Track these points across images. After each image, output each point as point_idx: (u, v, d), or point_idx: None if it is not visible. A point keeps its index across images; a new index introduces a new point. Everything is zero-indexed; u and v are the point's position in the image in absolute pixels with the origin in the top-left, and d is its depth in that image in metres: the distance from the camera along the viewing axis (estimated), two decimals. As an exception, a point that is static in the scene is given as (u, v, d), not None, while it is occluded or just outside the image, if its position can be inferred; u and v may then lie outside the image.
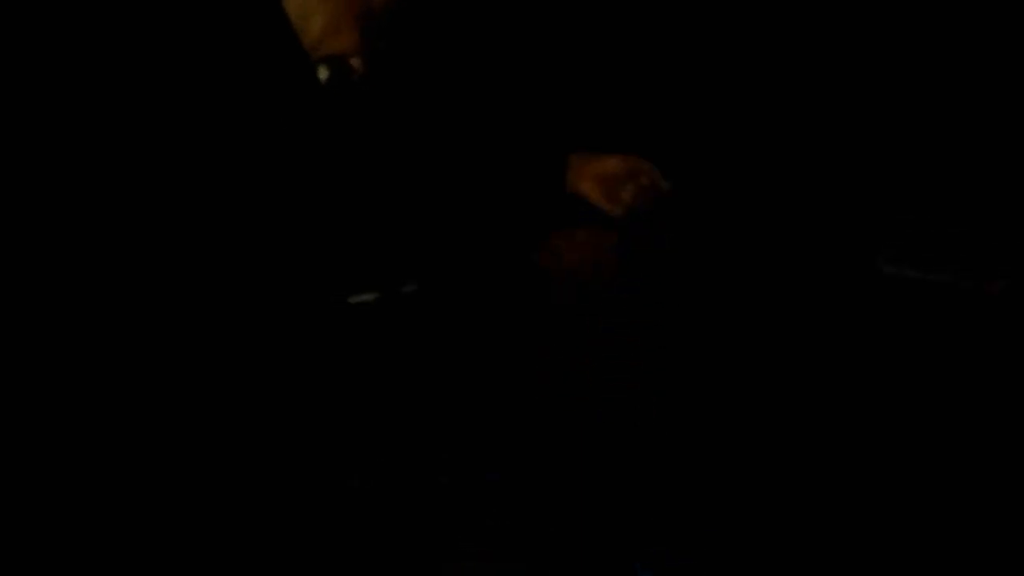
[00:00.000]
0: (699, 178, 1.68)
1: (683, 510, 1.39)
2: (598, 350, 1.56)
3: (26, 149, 0.93)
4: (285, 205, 1.07)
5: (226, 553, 1.00)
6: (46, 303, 0.92)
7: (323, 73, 1.15)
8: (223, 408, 1.00)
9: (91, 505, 0.94)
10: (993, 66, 1.68)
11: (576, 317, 1.57)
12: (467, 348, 1.41)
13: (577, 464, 1.42)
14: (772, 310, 1.53)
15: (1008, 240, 1.44)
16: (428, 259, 1.43)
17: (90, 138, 0.92)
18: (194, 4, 0.95)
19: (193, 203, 0.96)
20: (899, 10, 1.75)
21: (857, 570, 1.36)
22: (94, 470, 0.94)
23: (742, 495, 1.42)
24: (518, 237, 1.58)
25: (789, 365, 1.47)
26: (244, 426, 1.02)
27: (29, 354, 0.92)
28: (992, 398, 1.41)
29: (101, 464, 0.93)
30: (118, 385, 0.94)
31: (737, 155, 1.78)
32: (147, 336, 0.95)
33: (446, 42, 1.54)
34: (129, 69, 0.93)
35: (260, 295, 1.04)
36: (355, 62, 1.13)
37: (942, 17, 1.71)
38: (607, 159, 1.59)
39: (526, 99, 1.73)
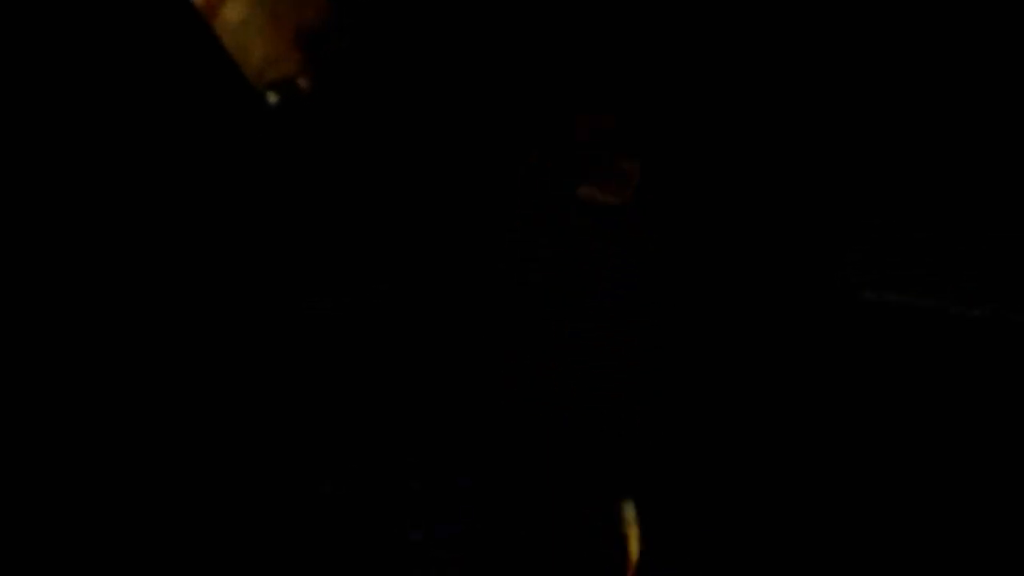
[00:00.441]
0: (682, 194, 1.68)
1: (663, 515, 1.39)
2: (572, 354, 1.57)
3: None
4: (247, 233, 1.04)
5: (197, 557, 0.97)
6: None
7: (272, 98, 1.13)
8: (195, 412, 0.97)
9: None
10: (978, 85, 1.65)
11: (551, 321, 1.58)
12: (440, 351, 1.40)
13: (548, 468, 1.43)
14: (754, 329, 1.52)
15: (992, 264, 1.39)
16: (400, 264, 1.43)
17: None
18: (125, 50, 0.91)
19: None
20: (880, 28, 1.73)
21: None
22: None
23: (721, 503, 1.43)
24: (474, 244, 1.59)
25: (770, 382, 1.46)
26: (215, 431, 0.99)
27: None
28: (974, 418, 1.40)
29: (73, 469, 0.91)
30: (82, 395, 0.91)
31: (719, 169, 1.77)
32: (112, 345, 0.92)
33: (394, 53, 1.54)
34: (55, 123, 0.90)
35: (219, 315, 1.01)
36: (302, 83, 1.10)
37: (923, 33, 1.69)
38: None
39: (478, 105, 1.75)
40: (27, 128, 0.88)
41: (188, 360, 0.95)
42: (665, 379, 1.56)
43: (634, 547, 1.21)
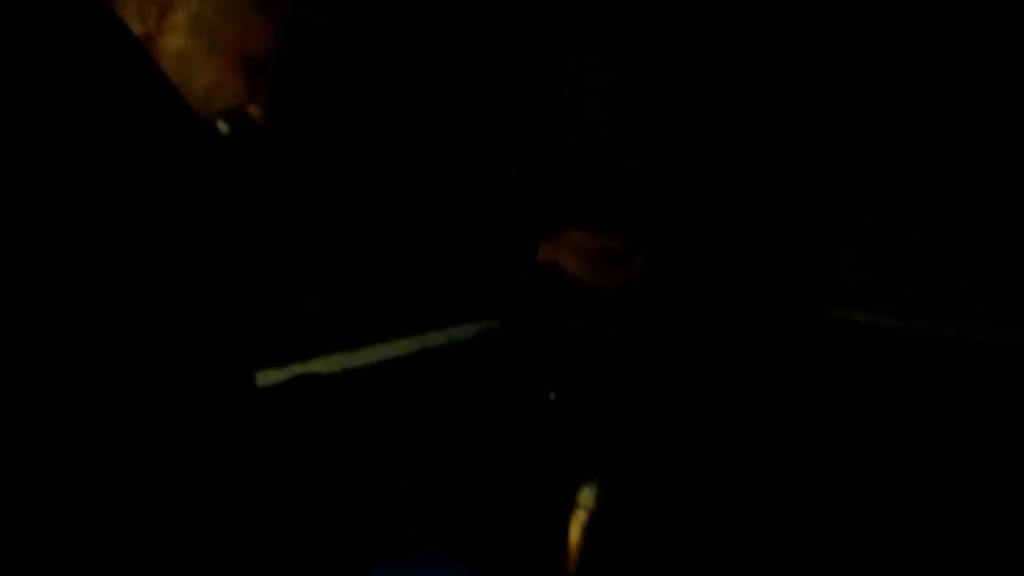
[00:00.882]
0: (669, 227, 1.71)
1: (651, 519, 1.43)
2: (560, 354, 1.59)
3: None
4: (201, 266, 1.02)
5: (190, 555, 0.95)
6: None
7: (223, 127, 1.11)
8: (191, 413, 0.95)
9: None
10: (963, 97, 1.67)
11: (539, 321, 1.61)
12: (430, 352, 1.43)
13: (536, 469, 1.45)
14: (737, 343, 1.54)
15: (957, 282, 1.38)
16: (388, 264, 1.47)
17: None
18: (63, 80, 0.90)
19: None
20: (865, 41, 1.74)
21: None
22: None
23: (701, 500, 1.46)
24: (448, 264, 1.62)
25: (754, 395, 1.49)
26: (210, 432, 0.98)
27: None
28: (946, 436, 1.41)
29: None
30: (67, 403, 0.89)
31: (702, 194, 1.79)
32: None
33: (346, 72, 1.55)
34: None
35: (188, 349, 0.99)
36: (252, 110, 1.08)
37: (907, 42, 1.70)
38: (583, 235, 1.63)
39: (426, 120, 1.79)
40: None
41: (178, 364, 0.94)
42: (652, 379, 1.57)
43: (576, 532, 1.18)
